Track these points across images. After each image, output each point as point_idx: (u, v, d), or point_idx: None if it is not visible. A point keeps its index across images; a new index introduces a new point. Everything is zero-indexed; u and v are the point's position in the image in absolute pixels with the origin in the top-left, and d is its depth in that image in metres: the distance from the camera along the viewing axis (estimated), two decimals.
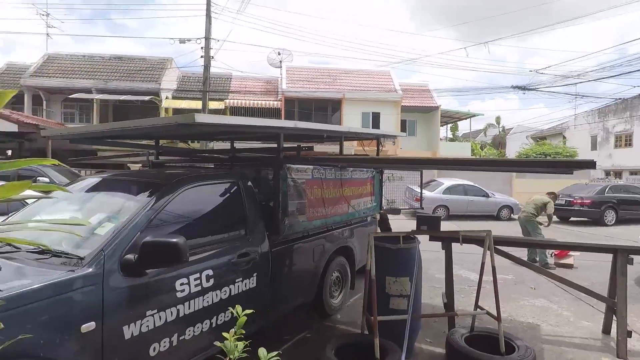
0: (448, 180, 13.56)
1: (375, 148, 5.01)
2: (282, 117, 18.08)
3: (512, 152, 31.12)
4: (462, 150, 22.82)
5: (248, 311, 1.18)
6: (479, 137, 38.96)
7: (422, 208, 5.88)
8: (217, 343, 1.18)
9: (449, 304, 3.70)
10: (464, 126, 34.92)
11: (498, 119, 38.52)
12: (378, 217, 5.01)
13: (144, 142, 4.10)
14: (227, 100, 17.90)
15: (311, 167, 3.58)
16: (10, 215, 2.89)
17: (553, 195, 7.11)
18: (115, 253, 2.02)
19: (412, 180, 12.39)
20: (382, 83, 20.20)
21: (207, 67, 12.86)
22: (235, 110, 17.70)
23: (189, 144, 5.12)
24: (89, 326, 1.83)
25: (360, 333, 3.25)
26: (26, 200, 3.20)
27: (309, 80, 19.66)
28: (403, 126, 20.30)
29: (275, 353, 1.07)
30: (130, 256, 2.05)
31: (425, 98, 20.98)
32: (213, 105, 16.44)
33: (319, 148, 5.66)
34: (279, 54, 20.24)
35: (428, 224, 3.86)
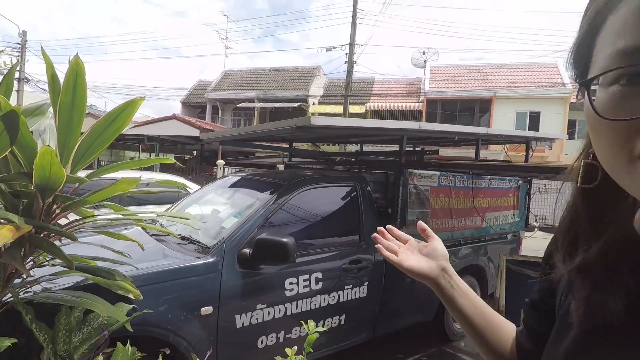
0: None
1: (525, 153, 4.25)
2: (422, 119, 17.38)
3: None
4: None
5: (320, 328, 1.09)
6: None
7: None
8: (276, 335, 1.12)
9: None
10: None
11: None
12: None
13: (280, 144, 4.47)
14: (368, 104, 18.22)
15: (438, 173, 3.26)
16: (172, 206, 3.51)
17: None
18: (234, 246, 2.22)
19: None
20: (546, 76, 17.29)
21: (349, 72, 13.33)
22: (375, 114, 17.88)
23: (319, 147, 5.37)
24: (207, 309, 2.04)
25: None
26: (187, 192, 3.86)
27: (454, 79, 18.35)
28: (572, 127, 16.96)
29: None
30: (246, 250, 2.22)
31: None
32: (354, 109, 16.98)
33: (457, 152, 5.14)
34: (424, 53, 19.50)
35: None
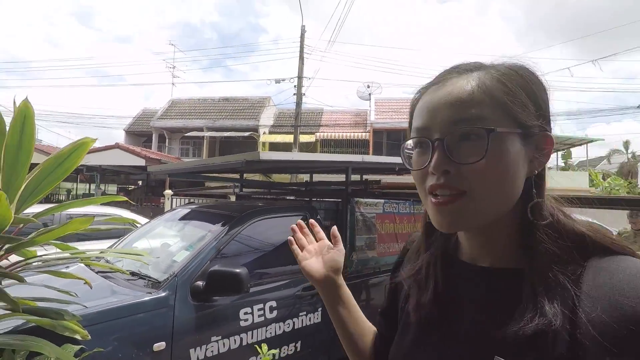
0: None
1: None
2: (369, 148, 18.20)
3: None
4: (579, 180, 19.88)
5: (273, 351, 1.18)
6: (600, 165, 33.63)
7: None
8: None
9: None
10: (579, 153, 30.63)
11: (627, 144, 32.91)
12: None
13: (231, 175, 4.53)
14: (318, 134, 18.76)
15: (382, 201, 3.50)
16: (118, 241, 3.39)
17: None
18: (187, 279, 2.22)
19: None
20: None
21: (298, 103, 13.75)
22: (325, 143, 18.43)
23: (269, 177, 5.48)
24: (159, 345, 2.01)
25: None
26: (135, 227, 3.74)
27: (397, 110, 19.59)
28: None
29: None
30: (199, 283, 2.23)
31: None
32: (304, 138, 17.39)
33: (405, 179, 5.46)
34: (368, 87, 20.68)
35: None
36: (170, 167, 3.42)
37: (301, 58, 13.59)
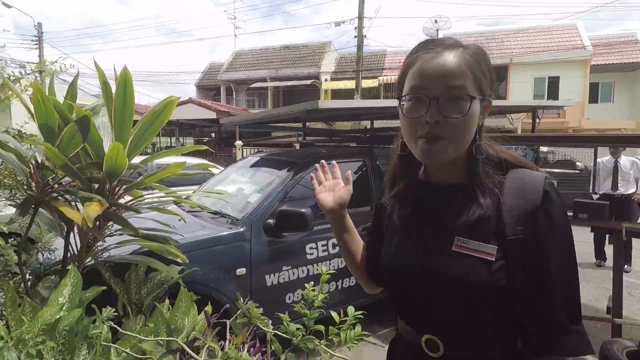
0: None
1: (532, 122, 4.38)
2: None
3: None
4: None
5: (332, 271, 1.40)
6: None
7: (596, 193, 4.84)
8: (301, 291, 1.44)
9: (616, 309, 3.09)
10: None
11: None
12: None
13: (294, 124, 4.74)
14: (381, 77, 18.10)
15: None
16: (200, 186, 3.88)
17: None
18: (260, 218, 2.55)
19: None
20: (565, 40, 16.71)
21: (359, 46, 13.28)
22: (388, 87, 17.78)
23: (331, 125, 5.60)
24: (241, 271, 2.41)
25: None
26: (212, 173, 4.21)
27: None
28: (594, 91, 16.53)
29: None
30: (270, 221, 2.55)
31: (627, 53, 16.35)
32: (367, 83, 16.93)
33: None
34: (435, 21, 19.00)
35: (589, 212, 3.26)
36: (238, 119, 3.72)
37: None
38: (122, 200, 1.91)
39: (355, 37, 13.38)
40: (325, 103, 2.48)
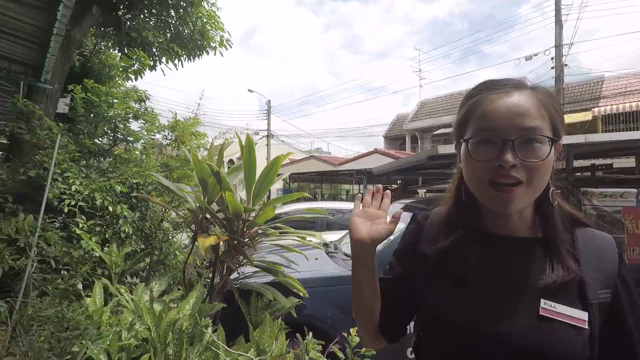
0: None
1: None
2: None
3: None
4: None
5: None
6: None
7: None
8: None
9: None
10: None
11: None
12: None
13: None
14: (596, 109, 14.81)
15: (635, 190, 2.65)
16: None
17: None
18: (382, 262, 2.58)
19: None
20: None
21: (558, 77, 11.50)
22: (608, 119, 14.34)
23: None
24: None
25: None
26: None
27: None
28: None
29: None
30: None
31: None
32: (575, 117, 14.18)
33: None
34: None
35: None
36: (388, 166, 3.88)
37: (558, 22, 11.32)
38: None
39: (552, 68, 11.72)
40: (445, 148, 2.39)
